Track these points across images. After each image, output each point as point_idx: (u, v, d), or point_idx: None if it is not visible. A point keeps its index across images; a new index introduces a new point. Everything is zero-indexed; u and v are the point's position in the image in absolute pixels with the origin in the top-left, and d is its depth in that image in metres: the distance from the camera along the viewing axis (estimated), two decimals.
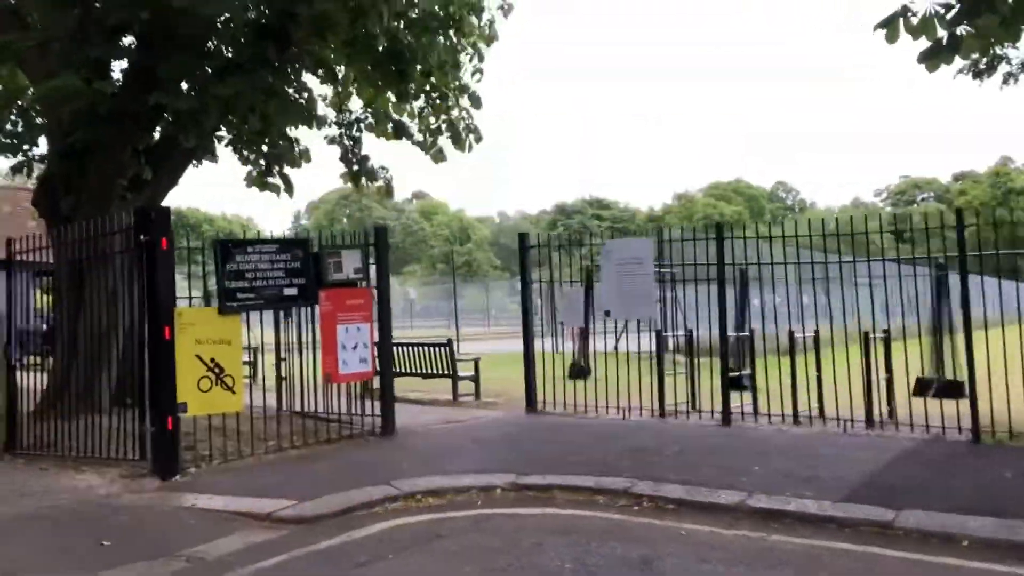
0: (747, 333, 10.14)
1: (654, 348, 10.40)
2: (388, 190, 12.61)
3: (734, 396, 9.72)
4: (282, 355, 10.44)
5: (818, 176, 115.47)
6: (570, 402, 10.58)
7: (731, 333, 9.81)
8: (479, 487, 6.87)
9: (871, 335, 9.12)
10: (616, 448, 8.19)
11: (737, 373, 10.05)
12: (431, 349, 13.19)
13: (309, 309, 9.33)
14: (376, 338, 9.28)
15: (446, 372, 12.98)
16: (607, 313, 10.33)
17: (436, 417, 10.52)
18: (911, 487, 6.31)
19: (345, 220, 70.98)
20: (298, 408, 9.54)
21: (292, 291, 8.56)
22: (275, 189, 12.70)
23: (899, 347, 9.50)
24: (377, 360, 9.29)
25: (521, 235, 11.53)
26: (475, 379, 13.09)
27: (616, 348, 10.91)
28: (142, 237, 7.81)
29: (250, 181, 12.94)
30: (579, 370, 11.37)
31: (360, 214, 72.51)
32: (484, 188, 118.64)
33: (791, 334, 9.77)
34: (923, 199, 75.04)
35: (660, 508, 6.24)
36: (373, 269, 9.39)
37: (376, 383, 9.53)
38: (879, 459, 7.28)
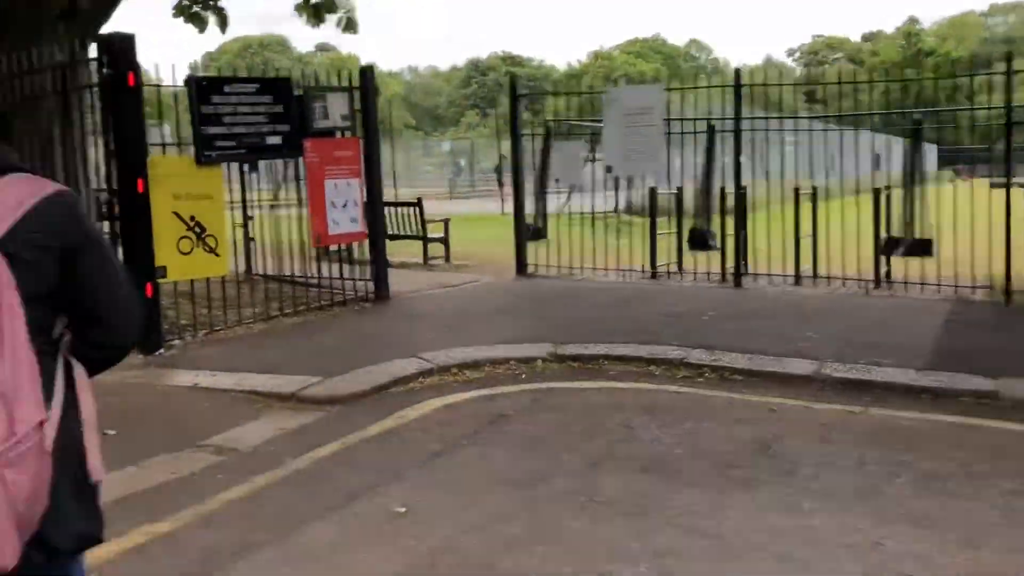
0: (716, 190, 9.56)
1: (641, 207, 9.80)
2: (351, 23, 11.21)
3: (713, 256, 9.31)
4: (249, 213, 9.40)
5: (730, 34, 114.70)
6: (553, 264, 9.92)
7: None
8: (517, 359, 6.19)
9: (882, 191, 8.72)
10: (645, 313, 7.62)
11: (702, 231, 9.65)
12: (399, 209, 12.22)
13: (283, 162, 8.31)
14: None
15: (415, 234, 12.10)
16: (608, 170, 9.55)
17: (423, 282, 9.72)
18: (983, 353, 5.94)
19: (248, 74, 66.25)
20: (272, 272, 8.60)
21: (275, 139, 7.45)
22: (202, 23, 11.12)
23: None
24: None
25: (512, 79, 10.44)
26: (444, 241, 12.28)
27: (568, 209, 10.30)
28: (104, 71, 6.54)
29: (179, 11, 11.32)
30: (535, 231, 10.69)
31: (264, 67, 67.93)
32: (394, 43, 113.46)
33: (796, 190, 9.29)
34: (835, 59, 75.43)
35: (727, 380, 5.72)
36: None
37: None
38: (930, 323, 6.91)
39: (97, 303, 1.67)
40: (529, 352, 6.31)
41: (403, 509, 3.72)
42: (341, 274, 8.47)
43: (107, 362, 1.75)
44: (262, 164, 9.20)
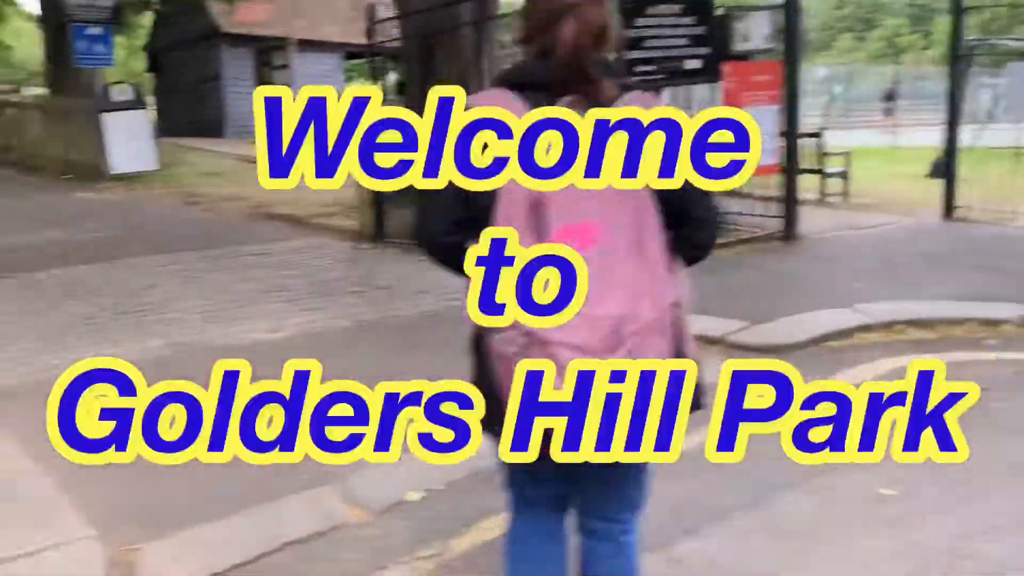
0: None
1: None
2: None
3: None
4: None
5: None
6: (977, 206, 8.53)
7: None
8: (979, 320, 5.29)
9: None
10: None
11: None
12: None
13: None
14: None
15: (812, 168, 11.15)
16: None
17: (827, 222, 8.87)
18: None
19: None
20: None
21: (695, 64, 7.04)
22: None
23: None
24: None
25: None
26: (844, 176, 11.21)
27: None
28: None
29: None
30: (940, 168, 9.18)
31: None
32: None
33: None
34: None
35: None
36: None
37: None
38: None
39: (698, 205, 1.81)
40: (994, 313, 5.36)
41: (890, 491, 3.20)
42: (744, 211, 7.95)
43: (696, 260, 1.89)
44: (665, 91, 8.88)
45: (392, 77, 11.03)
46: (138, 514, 3.12)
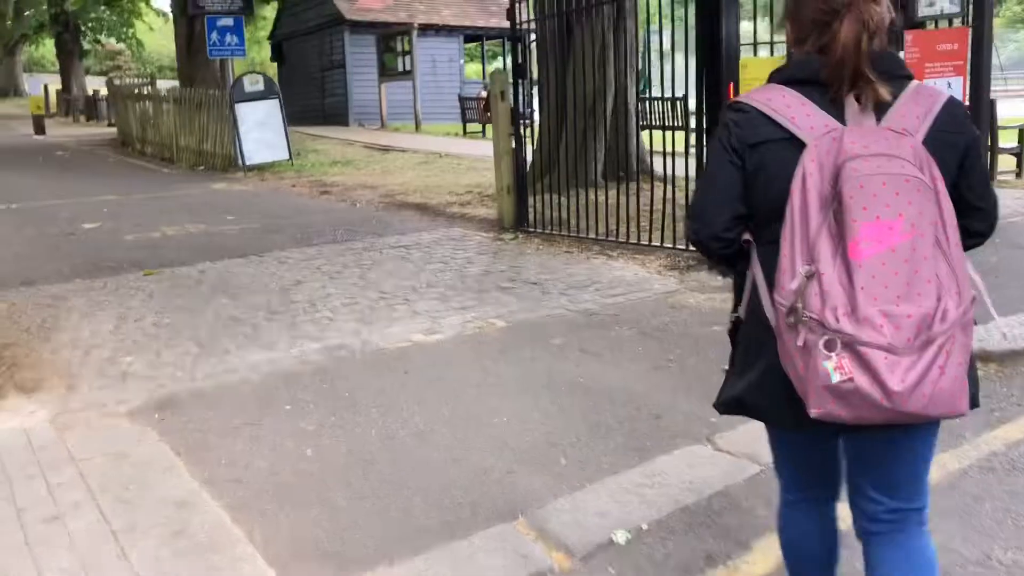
0: None
1: None
2: None
3: None
4: None
5: None
6: None
7: None
8: None
9: None
10: None
11: None
12: None
13: None
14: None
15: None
16: None
17: (1011, 203, 8.04)
18: None
19: None
20: None
21: None
22: None
23: None
24: None
25: None
26: (1018, 153, 10.24)
27: None
28: None
29: None
30: None
31: None
32: None
33: None
34: None
35: None
36: None
37: None
38: None
39: (979, 194, 1.82)
40: None
41: None
42: None
43: (974, 247, 1.86)
44: None
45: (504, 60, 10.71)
46: (319, 550, 2.85)
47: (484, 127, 19.91)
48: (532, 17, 9.08)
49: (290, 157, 14.88)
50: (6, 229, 9.27)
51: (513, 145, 8.21)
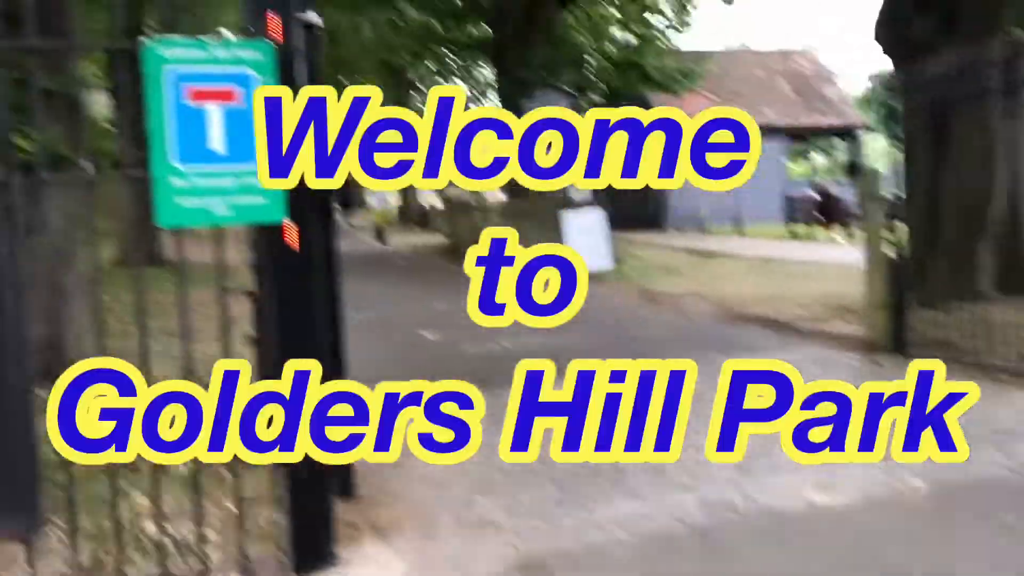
0: None
1: None
2: None
3: None
4: None
5: None
6: None
7: None
8: None
9: None
10: None
11: None
12: None
13: None
14: None
15: None
16: None
17: None
18: None
19: None
20: None
21: None
22: None
23: None
24: None
25: None
26: None
27: None
28: None
29: None
30: None
31: None
32: None
33: None
34: None
35: None
36: None
37: None
38: None
39: None
40: None
41: None
42: None
43: None
44: None
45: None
46: None
47: (813, 229, 18.59)
48: (882, 111, 8.03)
49: (613, 265, 14.62)
50: (355, 334, 9.64)
51: (891, 254, 7.11)
